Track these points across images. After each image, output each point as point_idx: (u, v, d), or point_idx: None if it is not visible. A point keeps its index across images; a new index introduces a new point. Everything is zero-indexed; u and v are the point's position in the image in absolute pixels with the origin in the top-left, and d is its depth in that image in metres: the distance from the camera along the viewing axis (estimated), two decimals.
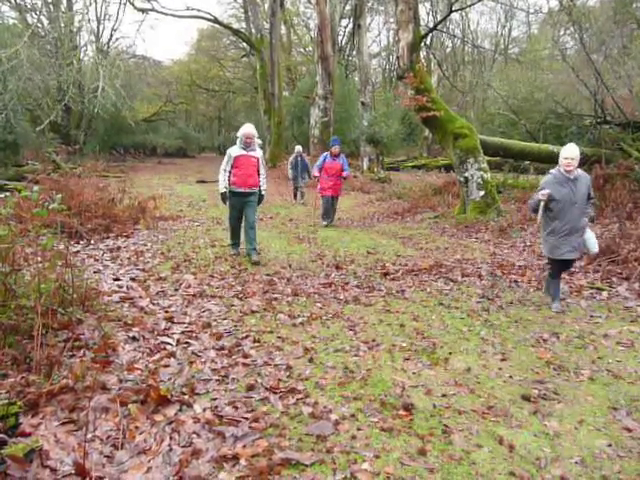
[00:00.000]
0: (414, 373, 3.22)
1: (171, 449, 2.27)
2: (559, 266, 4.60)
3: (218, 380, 3.01)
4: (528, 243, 7.29)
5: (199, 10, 23.56)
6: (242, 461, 2.21)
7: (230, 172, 6.19)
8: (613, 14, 12.12)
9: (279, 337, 3.78)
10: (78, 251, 6.08)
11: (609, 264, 5.65)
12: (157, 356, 3.27)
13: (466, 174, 9.51)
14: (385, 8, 32.42)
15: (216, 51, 35.77)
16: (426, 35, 11.67)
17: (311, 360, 3.36)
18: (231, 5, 33.76)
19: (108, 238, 7.00)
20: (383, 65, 39.07)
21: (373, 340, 3.77)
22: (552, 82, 16.20)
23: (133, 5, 22.69)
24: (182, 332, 3.73)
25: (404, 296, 4.97)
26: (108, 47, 25.24)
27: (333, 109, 20.25)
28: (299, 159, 12.47)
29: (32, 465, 2.02)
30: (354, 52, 26.08)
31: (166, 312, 4.15)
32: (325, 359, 3.39)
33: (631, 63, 10.89)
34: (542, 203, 4.42)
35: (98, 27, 24.85)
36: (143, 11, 23.12)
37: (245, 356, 3.37)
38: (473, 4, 14.92)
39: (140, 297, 4.48)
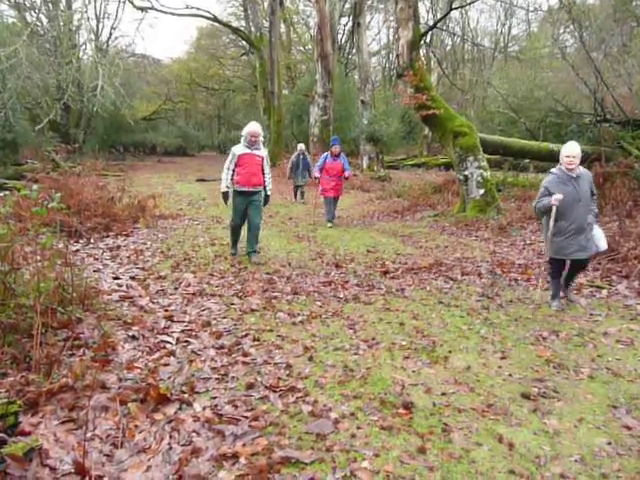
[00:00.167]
0: (414, 371, 3.22)
1: (171, 448, 2.27)
2: (572, 267, 4.53)
3: (218, 379, 3.01)
4: (528, 241, 7.29)
5: (198, 8, 23.54)
6: (242, 459, 2.21)
7: (234, 171, 6.06)
8: (613, 12, 12.13)
9: (279, 336, 3.78)
10: (77, 250, 6.07)
11: (609, 262, 5.65)
12: (157, 355, 3.27)
13: (466, 172, 9.50)
14: (385, 6, 32.43)
15: (215, 49, 35.72)
16: (426, 33, 11.66)
17: (311, 359, 3.37)
18: (230, 3, 33.77)
19: (108, 237, 7.00)
20: (383, 63, 39.05)
21: (373, 338, 3.77)
22: (552, 80, 16.22)
23: (132, 3, 22.64)
24: (182, 331, 3.73)
25: (404, 294, 4.97)
26: (107, 45, 25.24)
27: (333, 107, 20.18)
28: (301, 157, 12.35)
29: (32, 464, 2.02)
30: (354, 50, 26.05)
31: (166, 311, 4.16)
32: (325, 357, 3.40)
33: (631, 61, 10.90)
34: (554, 208, 4.30)
35: (97, 25, 24.95)
36: (142, 9, 23.04)
37: (245, 355, 3.37)
38: (473, 2, 14.88)
39: (140, 296, 4.48)
